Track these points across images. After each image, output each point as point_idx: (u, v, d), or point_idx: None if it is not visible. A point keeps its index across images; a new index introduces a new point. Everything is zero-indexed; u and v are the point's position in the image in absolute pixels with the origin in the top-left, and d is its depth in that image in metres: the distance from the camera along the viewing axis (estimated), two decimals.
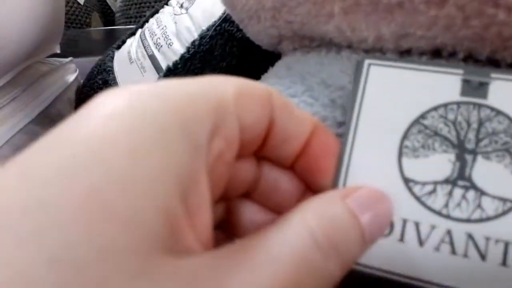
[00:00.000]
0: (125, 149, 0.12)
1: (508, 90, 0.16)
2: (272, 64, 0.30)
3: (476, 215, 0.15)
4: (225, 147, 0.14)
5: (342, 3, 0.22)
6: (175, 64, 0.42)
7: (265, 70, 0.31)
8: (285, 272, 0.12)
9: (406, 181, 0.16)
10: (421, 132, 0.16)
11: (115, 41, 0.51)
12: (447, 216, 0.15)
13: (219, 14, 0.42)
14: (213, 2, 0.42)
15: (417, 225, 0.16)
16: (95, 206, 0.11)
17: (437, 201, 0.16)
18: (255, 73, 0.31)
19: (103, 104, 0.13)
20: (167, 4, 0.48)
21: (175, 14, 0.45)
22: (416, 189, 0.16)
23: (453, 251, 0.15)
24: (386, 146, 0.17)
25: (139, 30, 0.48)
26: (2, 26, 0.42)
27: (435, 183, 0.16)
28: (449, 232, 0.15)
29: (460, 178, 0.16)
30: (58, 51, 0.58)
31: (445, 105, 0.16)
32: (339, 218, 0.14)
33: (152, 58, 0.44)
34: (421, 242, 0.15)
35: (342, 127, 0.20)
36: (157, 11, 0.49)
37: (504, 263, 0.15)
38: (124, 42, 0.49)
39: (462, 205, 0.15)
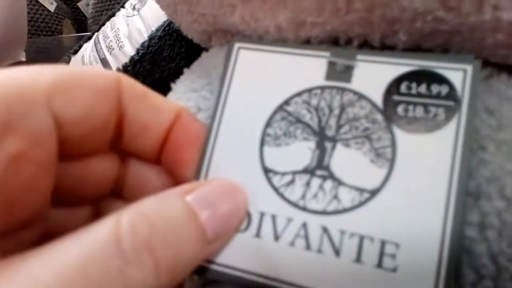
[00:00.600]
0: None
1: (372, 73, 0.15)
2: None
3: (332, 206, 0.14)
4: (28, 146, 0.13)
5: None
6: (125, 66, 0.42)
7: None
8: (52, 285, 0.10)
9: (266, 171, 0.15)
10: (284, 119, 0.15)
11: None
12: (304, 208, 0.14)
13: None
14: None
15: (273, 218, 0.14)
16: None
17: (295, 192, 0.14)
18: None
19: None
20: (123, 7, 0.47)
21: (127, 16, 0.45)
22: (275, 179, 0.15)
23: (308, 246, 0.14)
24: (249, 134, 0.15)
25: (95, 34, 0.48)
26: None
27: (294, 173, 0.15)
28: (304, 225, 0.14)
29: (319, 167, 0.14)
30: (24, 59, 0.58)
31: (310, 90, 0.15)
32: (171, 217, 0.13)
33: (104, 61, 0.44)
34: (276, 237, 0.14)
35: None
36: (113, 14, 0.48)
37: (358, 259, 0.13)
38: (81, 46, 0.49)
39: (318, 196, 0.14)
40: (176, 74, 0.34)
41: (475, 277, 0.14)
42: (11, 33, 0.51)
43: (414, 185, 0.13)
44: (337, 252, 0.14)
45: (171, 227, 0.13)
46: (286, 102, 0.15)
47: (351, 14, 0.18)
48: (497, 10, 0.15)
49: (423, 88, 0.14)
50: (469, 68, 0.14)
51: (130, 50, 0.43)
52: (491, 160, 0.14)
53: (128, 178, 0.17)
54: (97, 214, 0.17)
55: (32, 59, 0.61)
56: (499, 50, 0.16)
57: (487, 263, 0.14)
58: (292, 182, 0.15)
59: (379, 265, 0.13)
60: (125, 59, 0.43)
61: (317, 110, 0.15)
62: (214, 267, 0.15)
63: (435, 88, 0.14)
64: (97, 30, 0.48)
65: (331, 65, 0.15)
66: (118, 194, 0.17)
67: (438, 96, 0.14)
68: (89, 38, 0.49)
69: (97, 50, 0.45)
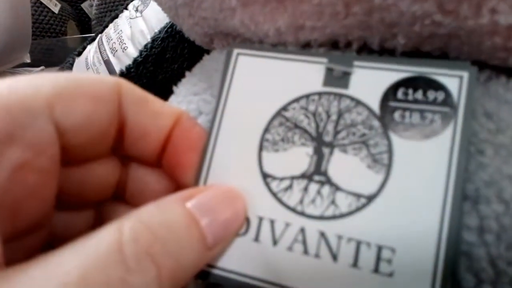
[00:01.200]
0: None
1: (369, 79, 0.15)
2: None
3: (330, 212, 0.14)
4: (31, 155, 0.13)
5: None
6: (128, 68, 0.42)
7: None
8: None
9: (265, 176, 0.15)
10: (282, 124, 0.15)
11: None
12: (301, 213, 0.14)
13: None
14: None
15: (272, 223, 0.15)
16: None
17: (293, 197, 0.15)
18: None
19: None
20: (126, 9, 0.48)
21: (130, 18, 0.45)
22: (274, 185, 0.15)
23: (306, 251, 0.14)
24: (248, 139, 0.16)
25: (99, 36, 0.48)
26: None
27: (292, 178, 0.15)
28: (302, 230, 0.14)
29: (316, 172, 0.15)
30: (28, 61, 0.58)
31: (307, 96, 0.15)
32: (172, 224, 0.13)
33: (107, 63, 0.44)
34: (275, 241, 0.14)
35: None
36: (116, 16, 0.48)
37: (355, 264, 0.14)
38: (84, 48, 0.49)
39: (316, 201, 0.14)
40: (178, 75, 0.34)
41: (474, 281, 0.14)
42: (16, 36, 0.52)
43: (410, 191, 0.14)
44: (334, 257, 0.14)
45: (172, 234, 0.13)
46: (284, 108, 0.15)
47: (350, 17, 0.18)
48: (495, 14, 0.15)
49: (419, 95, 0.14)
50: (465, 74, 0.14)
51: (133, 52, 0.43)
52: (490, 163, 0.14)
53: (129, 181, 0.17)
54: (99, 217, 0.18)
55: (36, 60, 0.62)
56: (497, 53, 0.16)
57: (486, 267, 0.14)
58: (290, 187, 0.15)
59: (376, 270, 0.13)
60: (128, 61, 0.43)
61: (314, 116, 0.15)
62: (215, 271, 0.15)
63: (431, 95, 0.14)
64: (101, 32, 0.49)
65: (329, 71, 0.15)
66: (120, 197, 0.17)
67: (434, 102, 0.14)
68: (93, 39, 0.49)
69: (100, 52, 0.45)
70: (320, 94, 0.15)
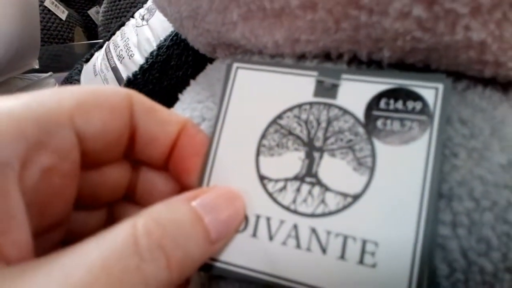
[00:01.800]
0: None
1: (355, 90, 0.17)
2: None
3: (320, 210, 0.16)
4: (57, 160, 0.15)
5: (239, 9, 0.23)
6: (135, 75, 0.44)
7: None
8: (83, 279, 0.12)
9: (262, 178, 0.17)
10: (277, 131, 0.17)
11: None
12: (294, 211, 0.16)
13: None
14: None
15: (268, 220, 0.16)
16: None
17: (287, 197, 0.16)
18: None
19: None
20: (132, 17, 0.49)
21: (137, 26, 0.47)
22: (270, 186, 0.17)
23: (298, 245, 0.16)
24: (246, 145, 0.17)
25: (106, 43, 0.50)
26: None
27: (286, 180, 0.16)
28: (295, 227, 0.16)
29: (308, 174, 0.16)
30: (37, 67, 0.60)
31: (300, 106, 0.17)
32: (180, 220, 0.15)
33: (115, 70, 0.46)
34: (271, 237, 0.16)
35: None
36: (123, 24, 0.50)
37: (342, 256, 0.15)
38: (92, 55, 0.51)
39: (308, 201, 0.16)
40: (183, 82, 0.36)
41: (448, 271, 0.15)
42: (25, 43, 0.54)
43: (391, 191, 0.15)
44: (324, 250, 0.15)
45: (180, 229, 0.15)
46: (279, 117, 0.17)
47: (339, 33, 0.20)
48: (468, 31, 0.17)
49: (399, 104, 0.16)
50: (441, 86, 0.16)
51: (139, 59, 0.45)
52: (463, 165, 0.16)
53: (139, 183, 0.19)
54: (111, 216, 0.19)
55: (44, 66, 0.64)
56: (473, 66, 0.18)
57: (458, 258, 0.15)
58: (284, 188, 0.16)
59: (361, 261, 0.15)
60: (135, 68, 0.45)
61: (306, 123, 0.17)
62: (218, 264, 0.17)
63: (410, 104, 0.16)
64: (108, 39, 0.50)
65: (319, 83, 0.17)
66: (130, 198, 0.19)
67: (413, 111, 0.16)
68: (100, 46, 0.51)
69: (108, 59, 0.47)
70: (311, 104, 0.17)
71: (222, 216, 0.16)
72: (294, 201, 0.16)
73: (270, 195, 0.16)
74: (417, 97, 0.16)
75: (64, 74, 0.66)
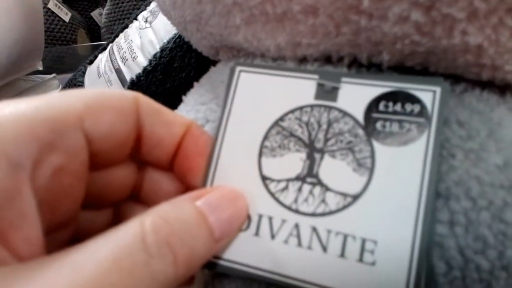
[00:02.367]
0: None
1: (355, 93, 0.17)
2: None
3: (320, 209, 0.16)
4: (67, 161, 0.15)
5: (241, 14, 0.23)
6: (138, 76, 0.44)
7: None
8: (94, 273, 0.12)
9: (264, 179, 0.17)
10: (279, 133, 0.18)
11: None
12: (296, 211, 0.17)
13: None
14: None
15: (270, 219, 0.17)
16: None
17: (288, 197, 0.17)
18: None
19: None
20: (135, 19, 0.50)
21: (140, 29, 0.47)
22: (272, 186, 0.17)
23: (300, 244, 0.16)
24: (249, 146, 0.18)
25: (110, 45, 0.51)
26: None
27: (288, 180, 0.17)
28: (297, 226, 0.16)
29: (309, 175, 0.17)
30: (41, 68, 0.61)
31: (301, 108, 0.18)
32: (185, 219, 0.15)
33: (118, 71, 0.47)
34: (273, 236, 0.17)
35: None
36: (126, 26, 0.51)
37: (342, 254, 0.16)
38: (96, 57, 0.51)
39: (309, 200, 0.16)
40: (186, 83, 0.36)
41: (445, 268, 0.16)
42: (29, 45, 0.54)
43: (390, 191, 0.16)
44: (324, 249, 0.16)
45: (186, 227, 0.15)
46: (281, 119, 0.18)
47: (340, 36, 0.20)
48: (465, 35, 0.17)
49: (398, 107, 0.16)
50: (438, 89, 0.16)
51: (143, 61, 0.45)
52: (460, 166, 0.16)
53: (144, 184, 0.19)
54: (117, 215, 0.20)
55: (48, 68, 0.64)
56: (471, 69, 0.18)
57: (455, 256, 0.16)
58: (286, 188, 0.17)
59: (360, 259, 0.15)
60: (138, 70, 0.45)
61: (307, 125, 0.17)
62: (221, 262, 0.17)
63: (408, 107, 0.16)
64: (112, 41, 0.51)
65: (320, 86, 0.17)
66: (136, 197, 0.20)
67: (411, 113, 0.16)
68: (104, 48, 0.52)
69: (111, 61, 0.48)
70: (312, 106, 0.17)
71: (225, 215, 0.16)
72: (295, 201, 0.17)
73: (272, 195, 0.17)
74: (415, 100, 0.16)
75: (68, 76, 0.67)
